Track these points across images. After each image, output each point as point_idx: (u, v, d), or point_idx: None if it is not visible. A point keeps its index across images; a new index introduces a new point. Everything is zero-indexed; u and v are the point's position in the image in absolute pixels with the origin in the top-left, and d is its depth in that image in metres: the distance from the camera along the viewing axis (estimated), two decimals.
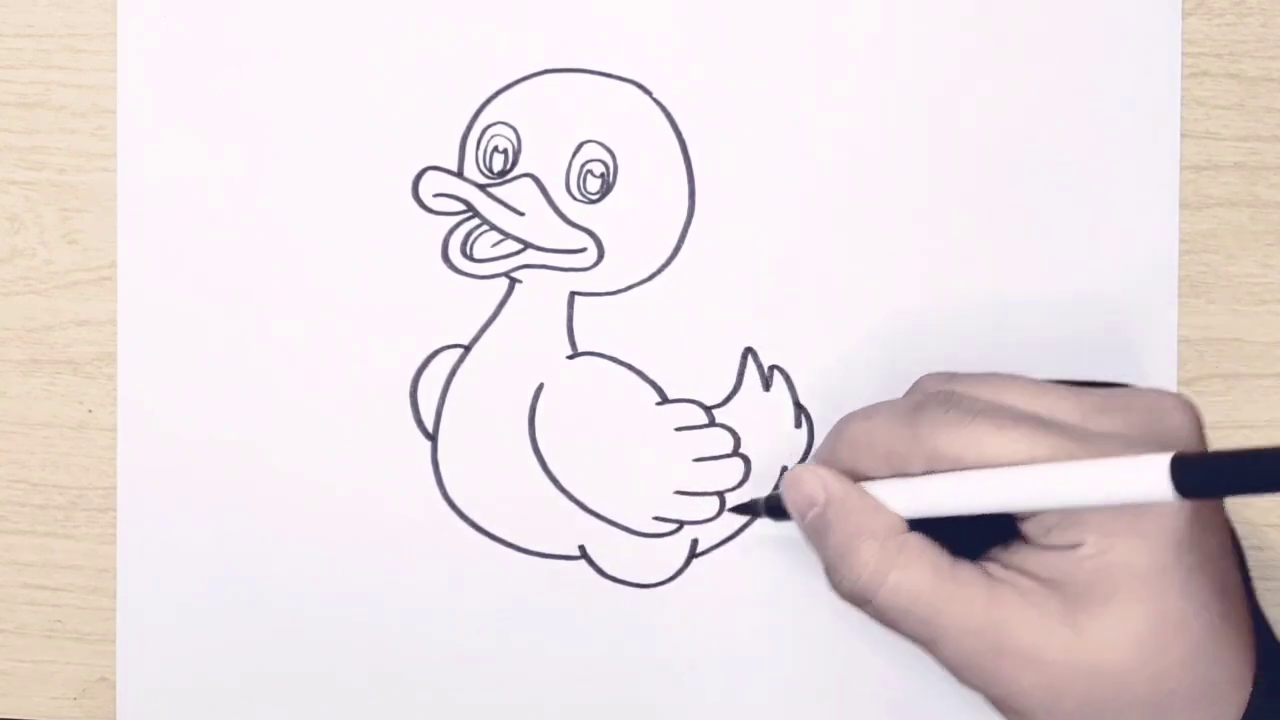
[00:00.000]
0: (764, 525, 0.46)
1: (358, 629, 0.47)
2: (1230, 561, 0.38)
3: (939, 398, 0.38)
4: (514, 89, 0.47)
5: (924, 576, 0.38)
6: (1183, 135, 0.46)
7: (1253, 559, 0.46)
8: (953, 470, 0.37)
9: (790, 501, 0.41)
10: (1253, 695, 0.37)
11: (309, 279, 0.47)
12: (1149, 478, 0.33)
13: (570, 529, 0.47)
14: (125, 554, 0.48)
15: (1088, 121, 0.46)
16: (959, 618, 0.37)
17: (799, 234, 0.47)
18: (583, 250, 0.47)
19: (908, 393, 0.42)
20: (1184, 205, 0.46)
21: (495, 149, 0.47)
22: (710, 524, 0.47)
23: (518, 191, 0.47)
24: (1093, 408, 0.37)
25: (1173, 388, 0.46)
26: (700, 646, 0.47)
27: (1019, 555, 0.38)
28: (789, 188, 0.46)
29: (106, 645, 0.48)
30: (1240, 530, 0.46)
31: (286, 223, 0.47)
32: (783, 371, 0.47)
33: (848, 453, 0.40)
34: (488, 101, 0.47)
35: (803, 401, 0.47)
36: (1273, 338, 0.46)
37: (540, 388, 0.47)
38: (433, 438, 0.47)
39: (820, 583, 0.41)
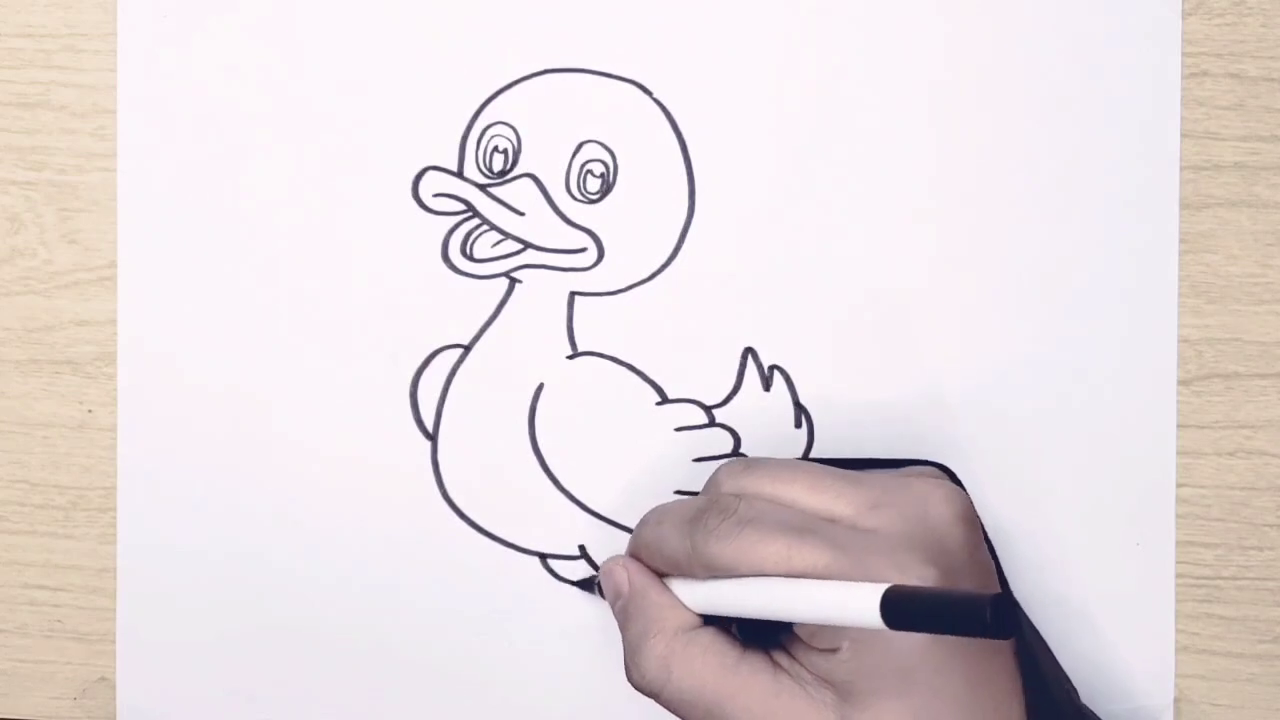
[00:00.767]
0: None
1: (357, 628, 0.47)
2: (989, 648, 0.40)
3: (719, 505, 0.41)
4: (514, 89, 0.47)
5: (709, 671, 0.40)
6: (1183, 135, 0.46)
7: (1252, 559, 0.46)
8: (727, 577, 0.40)
9: (605, 589, 0.44)
10: None
11: (309, 279, 0.47)
12: (863, 607, 0.36)
13: (570, 529, 0.47)
14: (125, 554, 0.48)
15: (1088, 121, 0.46)
16: (743, 709, 0.40)
17: (799, 234, 0.47)
18: (583, 250, 0.47)
19: (704, 487, 0.44)
20: (1184, 205, 0.46)
21: (495, 149, 0.47)
22: None
23: (518, 191, 0.47)
24: (866, 503, 0.40)
25: (1173, 388, 0.46)
26: None
27: (799, 649, 0.40)
28: (789, 188, 0.46)
29: (106, 645, 0.48)
30: (1240, 530, 0.46)
31: (286, 223, 0.47)
32: (783, 371, 0.47)
33: (645, 554, 0.43)
34: (488, 101, 0.47)
35: (803, 401, 0.47)
36: (1273, 338, 0.46)
37: (540, 388, 0.47)
38: (433, 438, 0.47)
39: None
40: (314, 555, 0.47)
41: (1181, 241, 0.46)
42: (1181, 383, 0.46)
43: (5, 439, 0.48)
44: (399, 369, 0.47)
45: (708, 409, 0.47)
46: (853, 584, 0.37)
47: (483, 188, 0.47)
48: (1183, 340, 0.46)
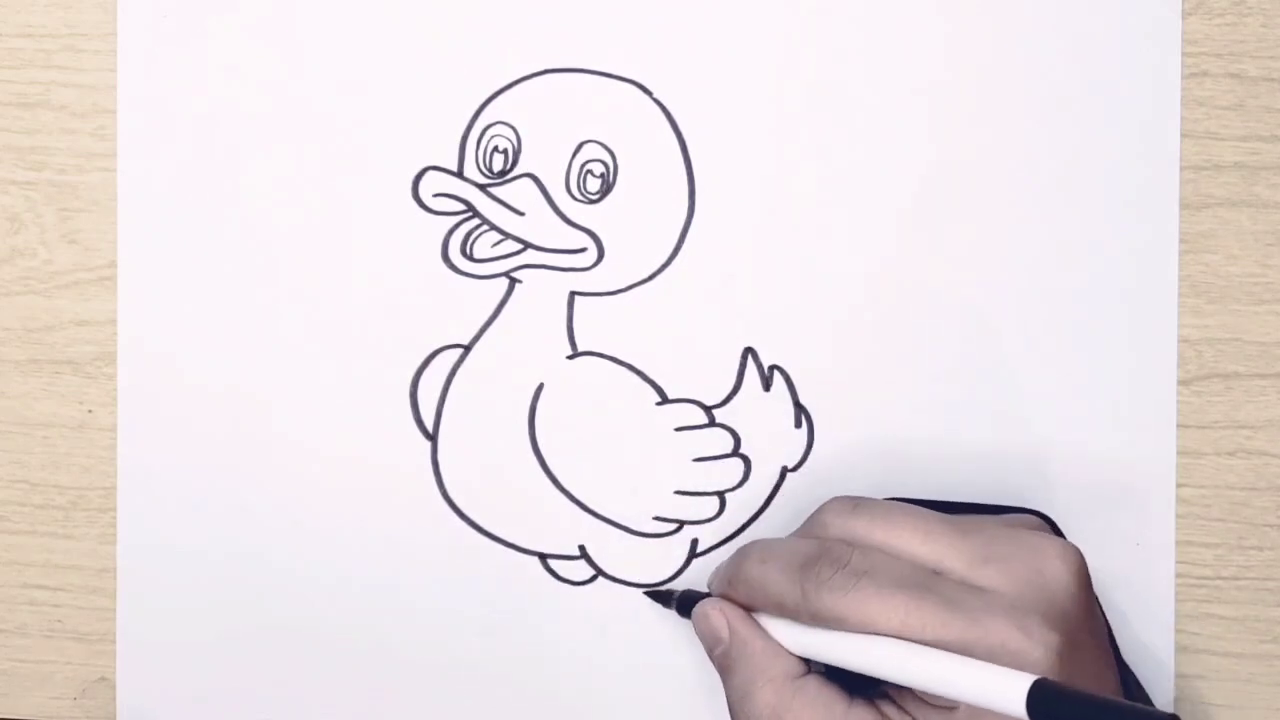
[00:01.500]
0: (763, 525, 0.46)
1: (357, 628, 0.47)
2: None
3: (831, 555, 0.40)
4: (514, 89, 0.47)
5: None
6: (1183, 135, 0.46)
7: (1252, 559, 0.46)
8: (836, 628, 0.39)
9: (699, 633, 0.43)
10: None
11: (309, 279, 0.47)
12: (1007, 695, 0.35)
13: (570, 529, 0.47)
14: (125, 554, 0.48)
15: (1088, 121, 0.46)
16: None
17: (799, 234, 0.47)
18: (583, 250, 0.47)
19: (809, 522, 0.43)
20: (1184, 205, 0.46)
21: (495, 149, 0.47)
22: (710, 524, 0.47)
23: (518, 191, 0.47)
24: (978, 556, 0.39)
25: (1173, 388, 0.46)
26: (701, 646, 0.47)
27: (911, 702, 0.40)
28: (789, 188, 0.46)
29: (106, 645, 0.48)
30: (1240, 530, 0.46)
31: (286, 223, 0.47)
32: (783, 371, 0.47)
33: (744, 591, 0.42)
34: (488, 101, 0.47)
35: (803, 401, 0.47)
36: (1273, 338, 0.46)
37: (540, 388, 0.47)
38: (433, 438, 0.47)
39: None
40: (314, 555, 0.47)
41: (1181, 241, 0.46)
42: (1181, 383, 0.46)
43: (5, 439, 0.48)
44: (399, 369, 0.47)
45: (708, 409, 0.47)
46: (996, 669, 0.36)
47: (483, 188, 0.47)
48: (1183, 340, 0.46)
